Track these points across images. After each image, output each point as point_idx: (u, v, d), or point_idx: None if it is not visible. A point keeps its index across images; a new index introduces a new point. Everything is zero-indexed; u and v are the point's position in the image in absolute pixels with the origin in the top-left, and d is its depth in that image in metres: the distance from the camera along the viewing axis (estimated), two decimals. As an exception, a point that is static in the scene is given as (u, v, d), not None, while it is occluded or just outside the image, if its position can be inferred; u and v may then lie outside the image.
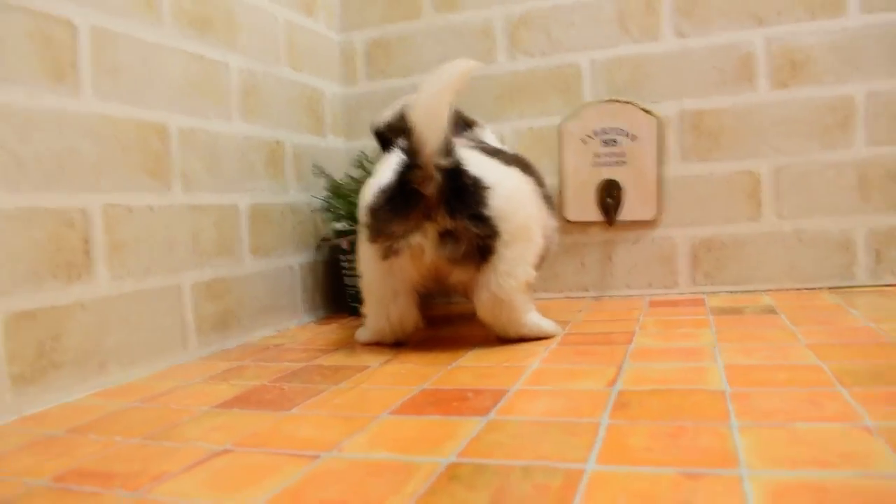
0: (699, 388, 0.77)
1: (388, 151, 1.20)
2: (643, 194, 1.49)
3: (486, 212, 1.03)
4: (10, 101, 0.89)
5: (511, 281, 1.06)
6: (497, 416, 0.73)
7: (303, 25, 1.59)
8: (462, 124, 1.35)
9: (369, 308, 1.16)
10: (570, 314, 1.34)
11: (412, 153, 1.00)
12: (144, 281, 1.08)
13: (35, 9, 0.93)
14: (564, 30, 1.56)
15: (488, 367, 0.96)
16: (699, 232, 1.48)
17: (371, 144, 1.71)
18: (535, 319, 1.12)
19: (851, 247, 1.41)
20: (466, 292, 1.15)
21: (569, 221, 1.53)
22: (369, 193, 1.09)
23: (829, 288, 1.41)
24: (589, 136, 1.51)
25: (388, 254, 1.07)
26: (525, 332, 1.10)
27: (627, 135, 1.49)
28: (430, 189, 1.00)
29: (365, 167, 1.51)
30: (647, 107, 1.48)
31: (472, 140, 1.24)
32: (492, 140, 1.35)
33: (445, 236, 1.03)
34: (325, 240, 1.59)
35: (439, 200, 1.01)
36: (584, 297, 1.56)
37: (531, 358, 0.99)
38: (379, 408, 0.79)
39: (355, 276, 1.23)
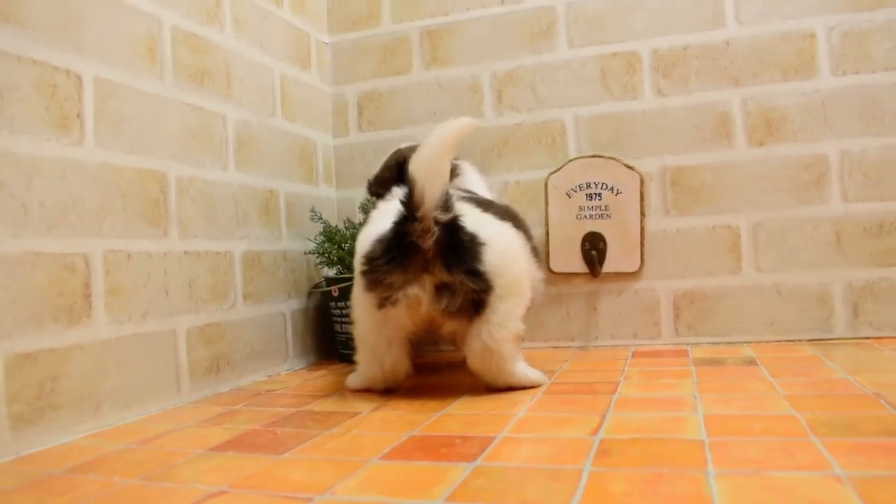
0: (678, 437, 0.80)
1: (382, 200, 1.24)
2: (626, 247, 1.53)
3: (482, 267, 1.05)
4: (17, 149, 0.92)
5: (503, 332, 1.09)
6: (484, 462, 0.75)
7: (297, 78, 1.64)
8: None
9: (362, 355, 1.18)
10: (556, 364, 1.37)
11: (412, 206, 1.02)
12: (141, 325, 1.11)
13: (41, 60, 0.97)
14: (549, 87, 1.62)
15: (476, 414, 0.98)
16: (681, 284, 1.52)
17: (361, 194, 1.75)
18: (522, 369, 1.14)
19: (829, 300, 1.45)
20: (456, 341, 1.17)
21: (554, 272, 1.57)
22: (366, 242, 1.11)
23: (809, 340, 1.45)
24: (573, 190, 1.56)
25: (384, 303, 1.09)
26: (513, 381, 1.13)
27: (611, 189, 1.53)
28: (428, 242, 1.03)
29: (368, 212, 1.54)
30: (630, 162, 1.54)
31: (462, 190, 1.27)
32: (477, 185, 1.38)
33: (441, 289, 1.06)
34: (316, 287, 1.62)
35: (436, 254, 1.04)
36: (569, 347, 1.59)
37: (517, 406, 1.01)
38: (369, 453, 0.81)
39: (346, 323, 1.25)
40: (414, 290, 1.06)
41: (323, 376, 1.40)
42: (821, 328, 1.45)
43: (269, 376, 1.43)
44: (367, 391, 1.19)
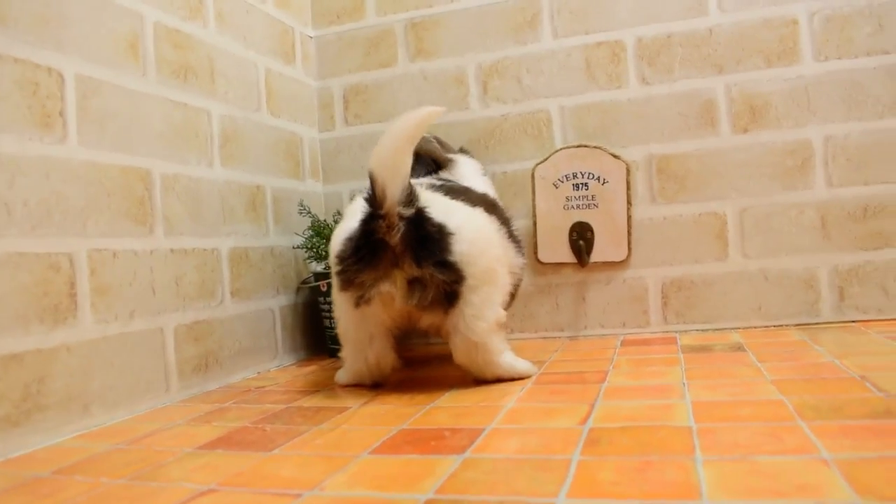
0: (667, 424, 0.81)
1: None
2: (614, 236, 1.53)
3: (451, 258, 1.04)
4: (-1, 150, 0.92)
5: (481, 323, 1.08)
6: (473, 454, 0.75)
7: (281, 73, 1.63)
8: (432, 162, 1.39)
9: (347, 352, 1.18)
10: (546, 354, 1.37)
11: (375, 203, 1.01)
12: (128, 324, 1.10)
13: (23, 58, 0.96)
14: (535, 77, 1.62)
15: (465, 406, 0.98)
16: (669, 272, 1.53)
17: (348, 188, 1.75)
18: (509, 360, 1.14)
19: (816, 285, 1.46)
20: (440, 333, 1.17)
21: (542, 263, 1.57)
22: (337, 241, 1.11)
23: (796, 325, 1.46)
24: (560, 181, 1.56)
25: (359, 302, 1.09)
26: (500, 373, 1.13)
27: (597, 179, 1.54)
28: (395, 238, 1.02)
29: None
30: (616, 152, 1.54)
31: (439, 179, 1.26)
32: (470, 172, 1.37)
33: (413, 283, 1.05)
34: (304, 282, 1.61)
35: (405, 249, 1.03)
36: (559, 337, 1.59)
37: (507, 397, 1.02)
38: (359, 447, 0.81)
39: (334, 317, 1.25)
40: (386, 287, 1.06)
41: (312, 372, 1.40)
42: (808, 313, 1.46)
43: (259, 373, 1.43)
44: (356, 386, 1.19)
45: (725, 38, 1.50)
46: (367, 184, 1.04)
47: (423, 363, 1.41)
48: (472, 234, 1.08)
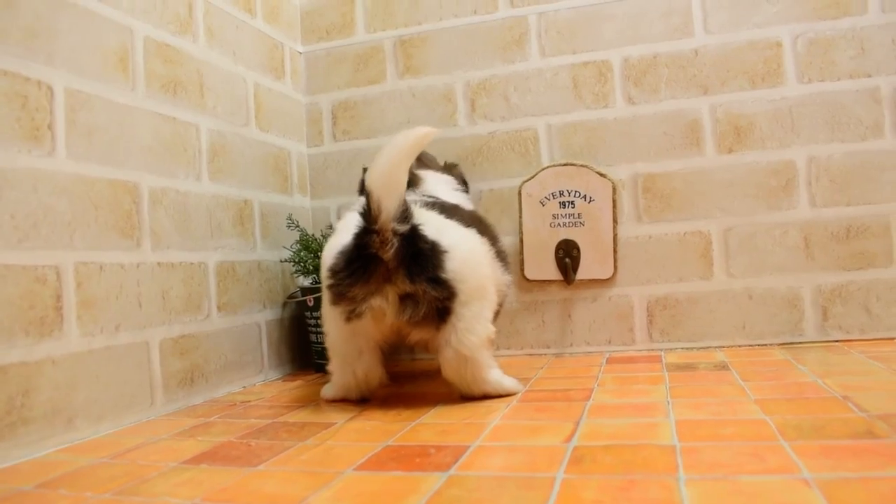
0: (651, 442, 0.81)
1: None
2: (600, 254, 1.54)
3: (444, 275, 1.05)
4: (-13, 163, 0.92)
5: (472, 338, 1.09)
6: (458, 471, 0.76)
7: (270, 88, 1.64)
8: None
9: (335, 365, 1.18)
10: (531, 371, 1.37)
11: (369, 219, 1.02)
12: (114, 337, 1.10)
13: (12, 71, 0.96)
14: (522, 96, 1.63)
15: (450, 423, 0.99)
16: (654, 290, 1.54)
17: (336, 203, 1.75)
18: (497, 376, 1.14)
19: (799, 304, 1.47)
20: (428, 348, 1.17)
21: (529, 280, 1.58)
22: (330, 255, 1.11)
23: (780, 344, 1.47)
24: (547, 198, 1.57)
25: (350, 316, 1.09)
26: (488, 388, 1.13)
27: (584, 197, 1.55)
28: (388, 254, 1.03)
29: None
30: (602, 170, 1.55)
31: (428, 196, 1.27)
32: (445, 189, 1.38)
33: (405, 299, 1.06)
34: (291, 297, 1.61)
35: (398, 264, 1.04)
36: (545, 354, 1.60)
37: (492, 415, 1.02)
38: (344, 464, 0.81)
39: (321, 332, 1.25)
40: (378, 302, 1.06)
41: (298, 387, 1.40)
42: (791, 332, 1.47)
43: (244, 387, 1.42)
44: (342, 401, 1.19)
45: (711, 59, 1.52)
46: (355, 199, 1.04)
47: (409, 379, 1.41)
48: (464, 253, 1.10)
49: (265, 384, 1.46)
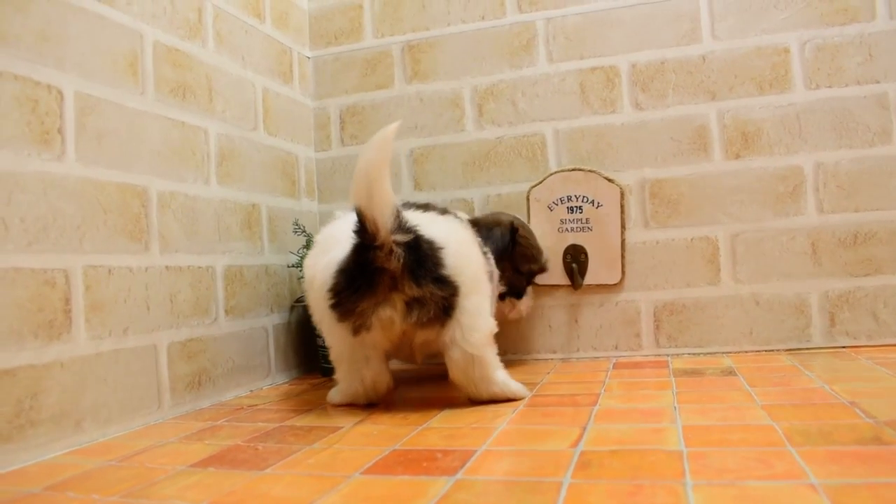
0: (658, 448, 0.81)
1: None
2: (607, 259, 1.54)
3: (446, 272, 1.06)
4: (-3, 166, 0.92)
5: (476, 335, 1.10)
6: (465, 475, 0.76)
7: (279, 92, 1.65)
8: None
9: (342, 373, 1.18)
10: (538, 376, 1.37)
11: (368, 237, 1.01)
12: (122, 341, 1.10)
13: (23, 75, 0.97)
14: (530, 101, 1.63)
15: (457, 428, 0.99)
16: (661, 296, 1.54)
17: (343, 207, 1.75)
18: (504, 378, 1.15)
19: (806, 310, 1.47)
20: (432, 349, 1.18)
21: (536, 284, 1.58)
22: (326, 275, 1.09)
23: (787, 350, 1.47)
24: (555, 203, 1.57)
25: (359, 329, 1.09)
26: (495, 389, 1.13)
27: (591, 202, 1.55)
28: (395, 264, 1.02)
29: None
30: (610, 175, 1.55)
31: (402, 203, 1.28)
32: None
33: (412, 303, 1.06)
34: (298, 301, 1.62)
35: (404, 271, 1.03)
36: (551, 359, 1.60)
37: (499, 419, 1.02)
38: (351, 468, 0.81)
39: (326, 345, 1.25)
40: (387, 312, 1.06)
41: (305, 391, 1.40)
42: (798, 338, 1.47)
43: (251, 391, 1.42)
44: (349, 406, 1.19)
45: (718, 65, 1.52)
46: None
47: (415, 383, 1.41)
48: (456, 245, 1.11)
49: (272, 388, 1.46)
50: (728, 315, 1.51)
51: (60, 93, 1.03)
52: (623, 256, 1.55)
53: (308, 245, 1.56)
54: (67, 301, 1.01)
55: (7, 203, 0.93)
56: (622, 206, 1.55)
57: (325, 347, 1.52)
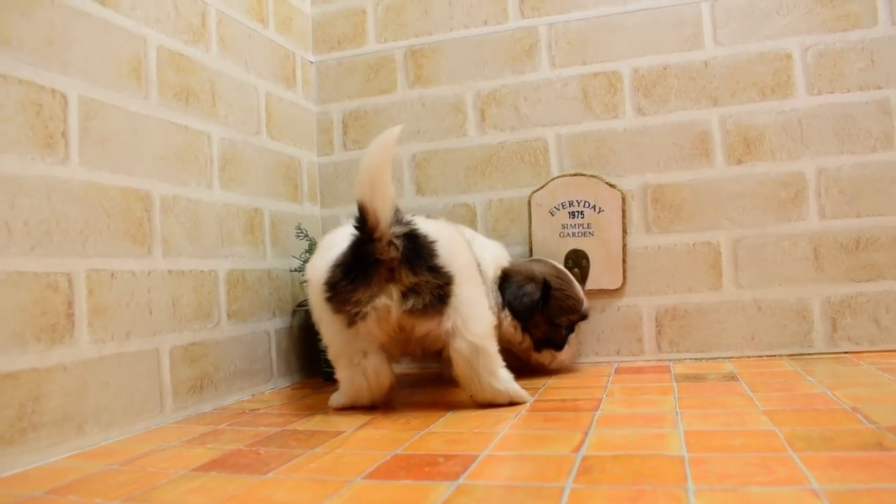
0: (660, 453, 0.81)
1: None
2: (609, 264, 1.55)
3: (440, 261, 1.11)
4: (1, 169, 0.93)
5: (477, 324, 1.12)
6: (466, 480, 0.76)
7: (282, 97, 1.65)
8: None
9: (342, 372, 1.19)
10: (540, 381, 1.37)
11: (368, 230, 1.06)
12: (124, 344, 1.11)
13: (27, 79, 0.97)
14: (532, 106, 1.64)
15: (459, 433, 0.99)
16: (663, 301, 1.54)
17: (346, 212, 1.76)
18: (507, 375, 1.16)
19: (808, 315, 1.47)
20: (428, 346, 1.19)
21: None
22: (322, 271, 1.14)
23: (789, 355, 1.47)
24: (556, 208, 1.57)
25: (354, 320, 1.11)
26: (498, 385, 1.14)
27: (593, 207, 1.55)
28: (392, 254, 1.07)
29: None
30: (612, 180, 1.55)
31: None
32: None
33: (408, 293, 1.09)
34: (300, 305, 1.62)
35: (401, 262, 1.08)
36: (552, 363, 1.59)
37: (501, 424, 1.02)
38: (353, 472, 0.82)
39: (325, 343, 1.25)
40: (382, 301, 1.10)
41: (307, 395, 1.40)
42: (800, 343, 1.47)
43: (254, 395, 1.43)
44: (350, 409, 1.19)
45: (721, 70, 1.52)
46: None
47: (418, 387, 1.41)
48: (447, 240, 1.15)
49: (274, 392, 1.46)
50: (730, 320, 1.51)
51: (64, 97, 1.04)
52: (625, 261, 1.55)
53: (310, 249, 1.56)
54: (70, 305, 1.01)
55: (11, 207, 0.93)
56: (624, 212, 1.55)
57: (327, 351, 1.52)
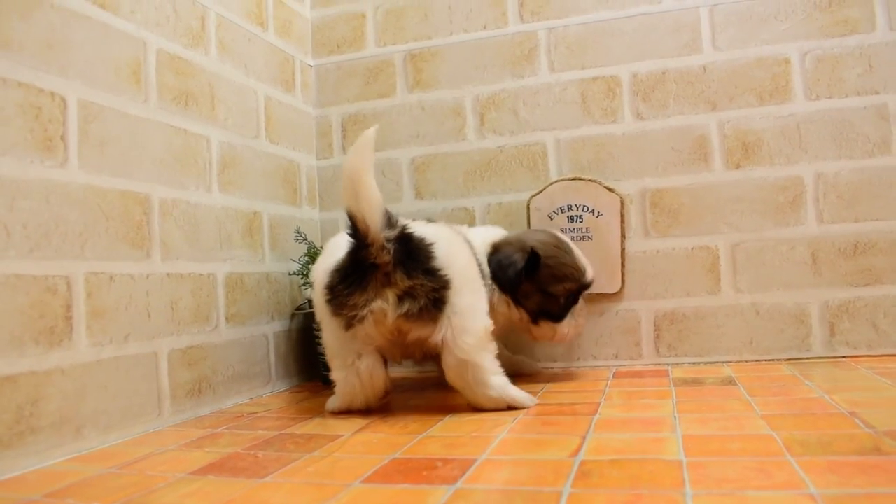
0: (657, 457, 0.81)
1: None
2: (608, 268, 1.55)
3: (436, 264, 1.11)
4: (0, 171, 0.92)
5: (468, 338, 1.11)
6: (464, 485, 0.76)
7: (281, 101, 1.65)
8: None
9: (338, 373, 1.20)
10: (538, 385, 1.37)
11: (360, 236, 1.07)
12: (123, 348, 1.11)
13: (26, 82, 0.98)
14: (531, 110, 1.64)
15: (457, 437, 0.99)
16: (661, 305, 1.54)
17: (345, 215, 1.76)
18: (501, 382, 1.15)
19: (806, 320, 1.47)
20: (429, 351, 1.19)
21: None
22: (323, 275, 1.16)
23: (787, 359, 1.47)
24: (555, 212, 1.57)
25: (351, 322, 1.12)
26: (492, 393, 1.14)
27: (592, 211, 1.55)
28: (385, 258, 1.08)
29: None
30: (610, 185, 1.56)
31: None
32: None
33: (403, 296, 1.10)
34: (299, 309, 1.62)
35: (395, 266, 1.09)
36: (551, 368, 1.60)
37: (499, 428, 1.02)
38: (351, 476, 0.82)
39: (323, 345, 1.26)
40: (379, 304, 1.10)
41: (306, 399, 1.40)
42: (798, 347, 1.47)
43: (252, 399, 1.42)
44: (347, 413, 1.20)
45: (719, 75, 1.52)
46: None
47: (416, 391, 1.41)
48: (446, 244, 1.15)
49: (273, 395, 1.46)
50: (728, 324, 1.51)
51: (64, 100, 1.04)
52: (623, 265, 1.55)
53: (309, 253, 1.56)
54: (69, 308, 1.01)
55: (9, 209, 0.93)
56: (622, 216, 1.55)
57: (325, 355, 1.52)
